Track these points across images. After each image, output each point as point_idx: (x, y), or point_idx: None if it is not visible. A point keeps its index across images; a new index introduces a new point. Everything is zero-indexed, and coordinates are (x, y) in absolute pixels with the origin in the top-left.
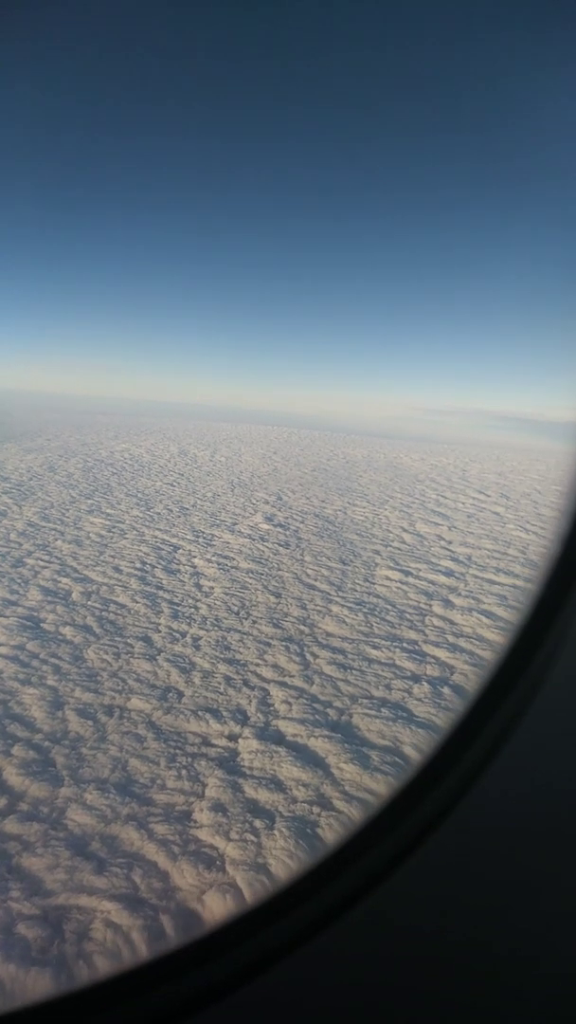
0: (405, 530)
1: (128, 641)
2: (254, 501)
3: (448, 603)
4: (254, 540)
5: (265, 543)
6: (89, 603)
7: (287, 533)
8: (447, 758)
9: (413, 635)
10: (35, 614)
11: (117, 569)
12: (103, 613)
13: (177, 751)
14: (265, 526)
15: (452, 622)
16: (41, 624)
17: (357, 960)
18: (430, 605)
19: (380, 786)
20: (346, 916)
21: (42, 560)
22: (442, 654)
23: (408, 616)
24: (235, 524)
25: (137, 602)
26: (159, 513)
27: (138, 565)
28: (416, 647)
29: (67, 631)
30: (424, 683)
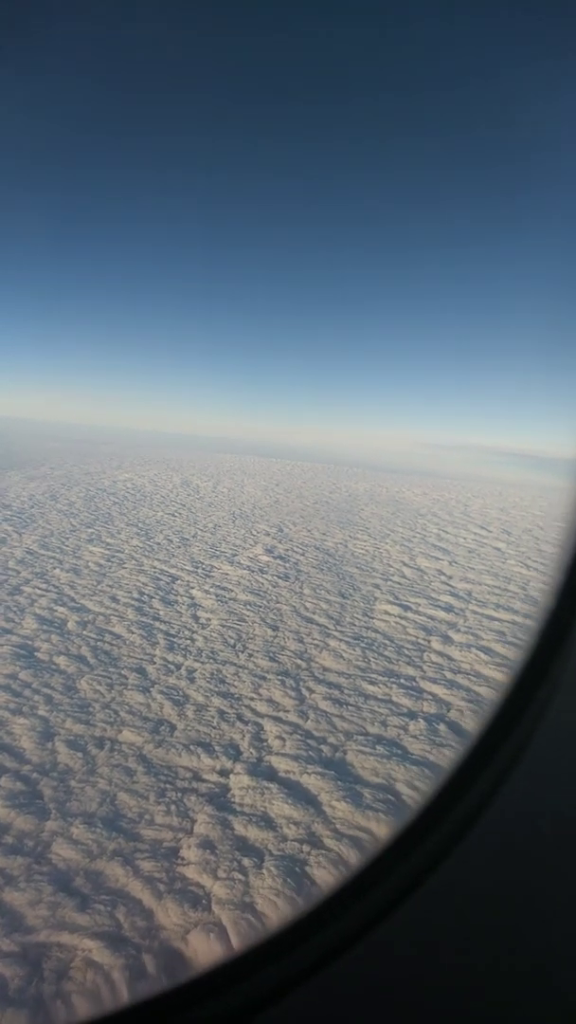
0: (406, 564)
1: (122, 672)
2: (255, 532)
3: (447, 639)
4: (253, 572)
5: (264, 575)
6: (84, 633)
7: (287, 565)
8: (447, 799)
9: (411, 671)
10: (29, 643)
11: (114, 599)
12: (98, 643)
13: (167, 786)
14: (265, 558)
15: (450, 658)
16: (35, 653)
17: (355, 1000)
18: (428, 641)
19: (373, 824)
20: (344, 957)
21: (39, 588)
22: (439, 690)
23: (406, 651)
24: (235, 555)
25: (133, 632)
26: (159, 543)
27: (135, 595)
28: (413, 683)
29: (61, 661)
30: (420, 720)
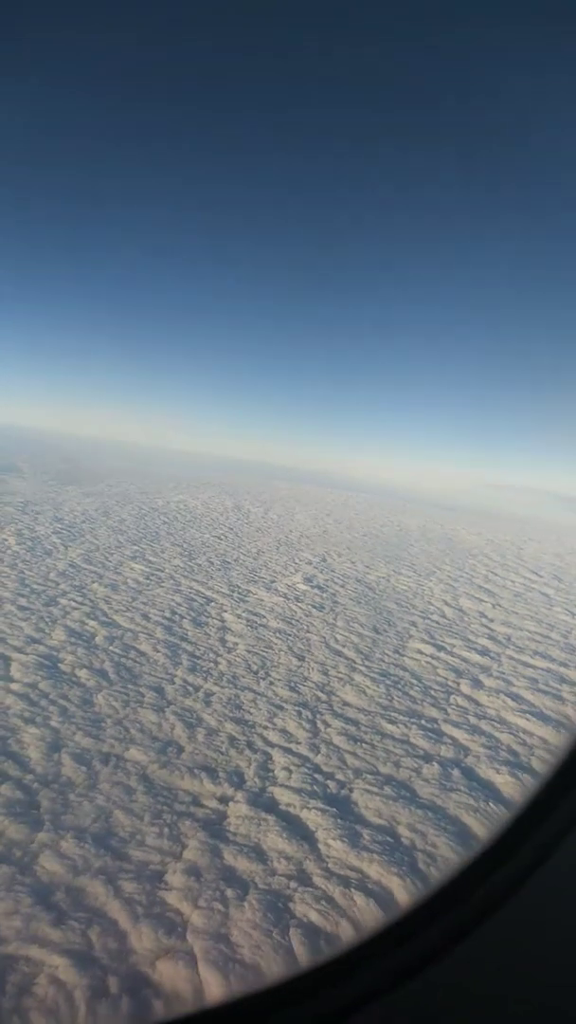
0: (447, 604)
1: (140, 690)
2: (297, 561)
3: (477, 683)
4: (289, 600)
5: (299, 604)
6: (110, 648)
7: (324, 596)
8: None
9: (434, 712)
10: (55, 654)
11: (146, 616)
12: (122, 659)
13: (164, 807)
14: (303, 586)
15: (477, 702)
16: (59, 664)
17: None
18: (458, 683)
19: (366, 865)
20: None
21: (75, 601)
22: (460, 735)
23: (433, 692)
24: (273, 582)
25: (158, 651)
26: (200, 564)
27: (167, 614)
28: (434, 725)
29: (82, 674)
30: (435, 764)
